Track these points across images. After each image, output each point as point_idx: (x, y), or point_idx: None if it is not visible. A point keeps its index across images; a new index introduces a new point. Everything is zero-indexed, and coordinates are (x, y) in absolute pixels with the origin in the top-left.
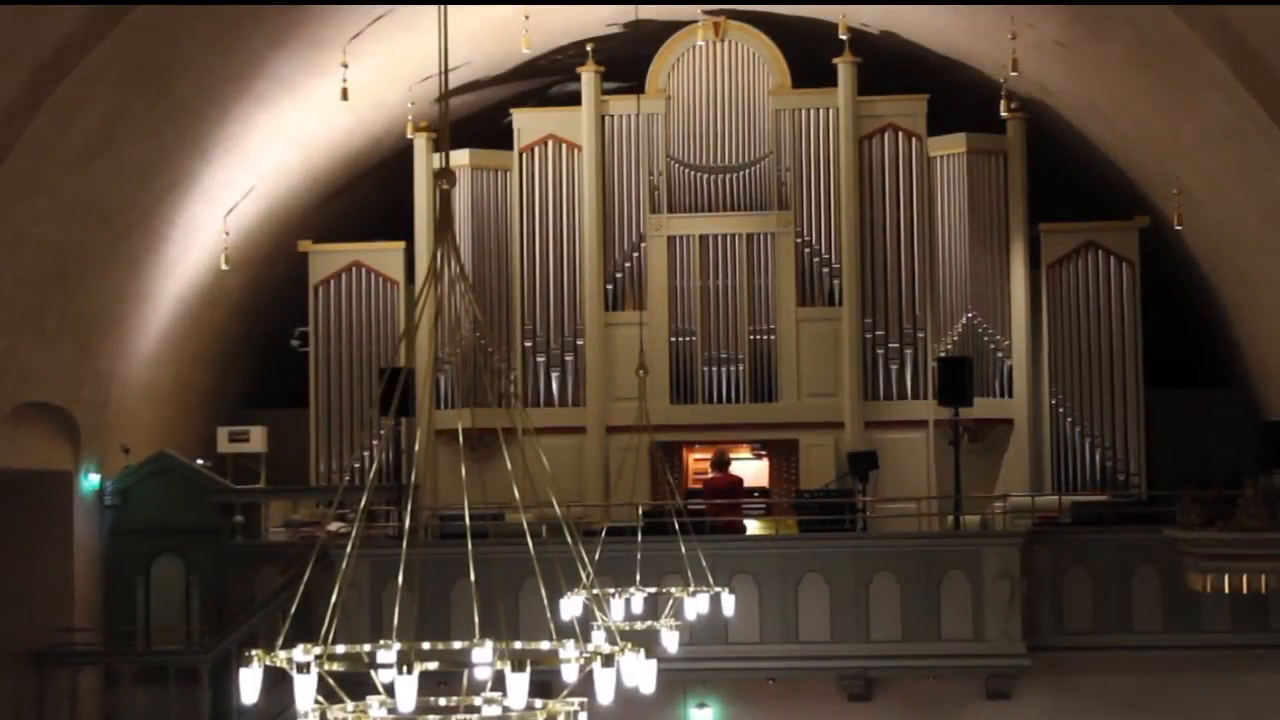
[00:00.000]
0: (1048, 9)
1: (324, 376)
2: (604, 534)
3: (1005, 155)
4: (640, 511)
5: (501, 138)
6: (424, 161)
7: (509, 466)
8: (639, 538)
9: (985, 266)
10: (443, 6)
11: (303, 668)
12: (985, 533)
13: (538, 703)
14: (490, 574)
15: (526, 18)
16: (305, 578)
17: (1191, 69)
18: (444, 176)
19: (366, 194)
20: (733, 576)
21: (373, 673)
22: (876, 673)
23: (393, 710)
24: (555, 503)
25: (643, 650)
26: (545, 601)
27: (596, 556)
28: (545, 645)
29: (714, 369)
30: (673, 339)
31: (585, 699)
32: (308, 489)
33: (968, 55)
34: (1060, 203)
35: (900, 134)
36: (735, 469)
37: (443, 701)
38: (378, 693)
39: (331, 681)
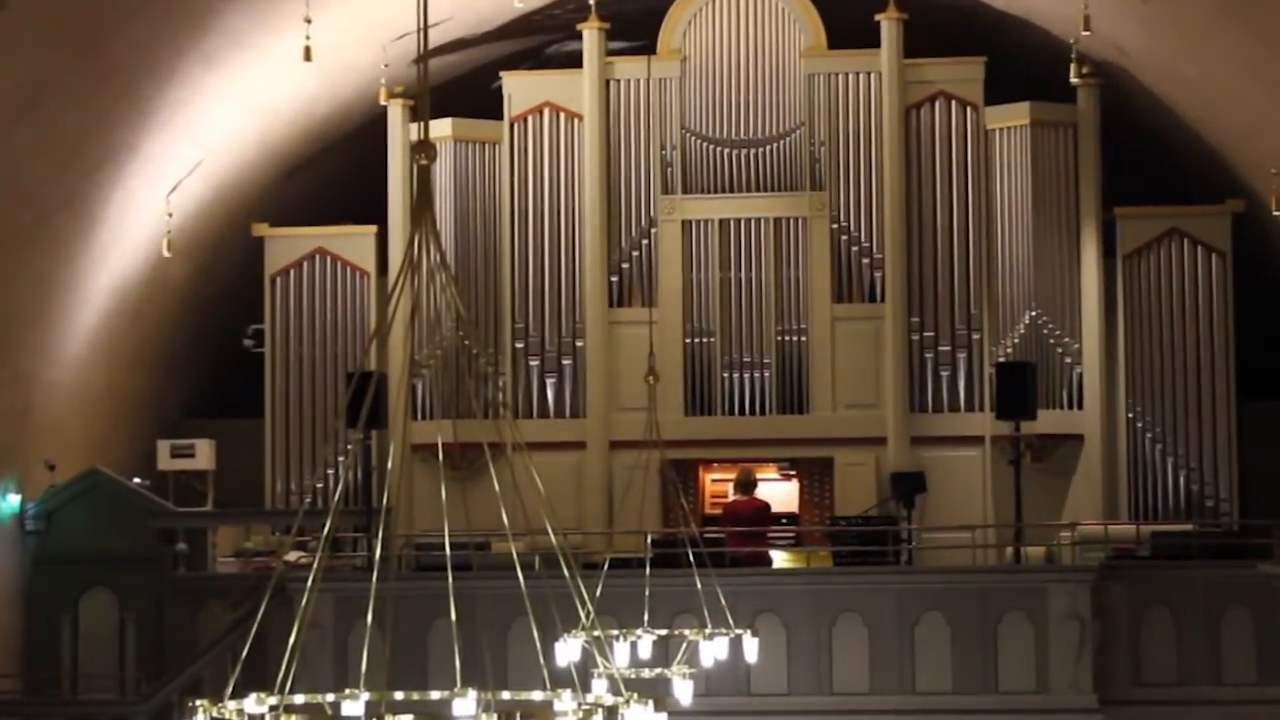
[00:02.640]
0: None
1: (282, 381)
2: (606, 566)
3: (1075, 128)
4: (649, 540)
5: (490, 105)
6: (399, 132)
7: (496, 487)
8: (647, 571)
9: (1052, 257)
10: None
11: None
12: (1050, 567)
13: None
14: (474, 612)
15: None
16: (259, 616)
17: None
18: (422, 150)
19: (333, 170)
20: (756, 616)
21: None
22: None
23: None
24: (550, 530)
25: (651, 702)
26: (538, 644)
27: (598, 592)
28: (538, 695)
29: (735, 375)
30: (687, 340)
31: None
32: (262, 512)
33: (1032, 12)
34: (1139, 183)
35: (953, 103)
36: (761, 492)
37: None
38: None
39: None
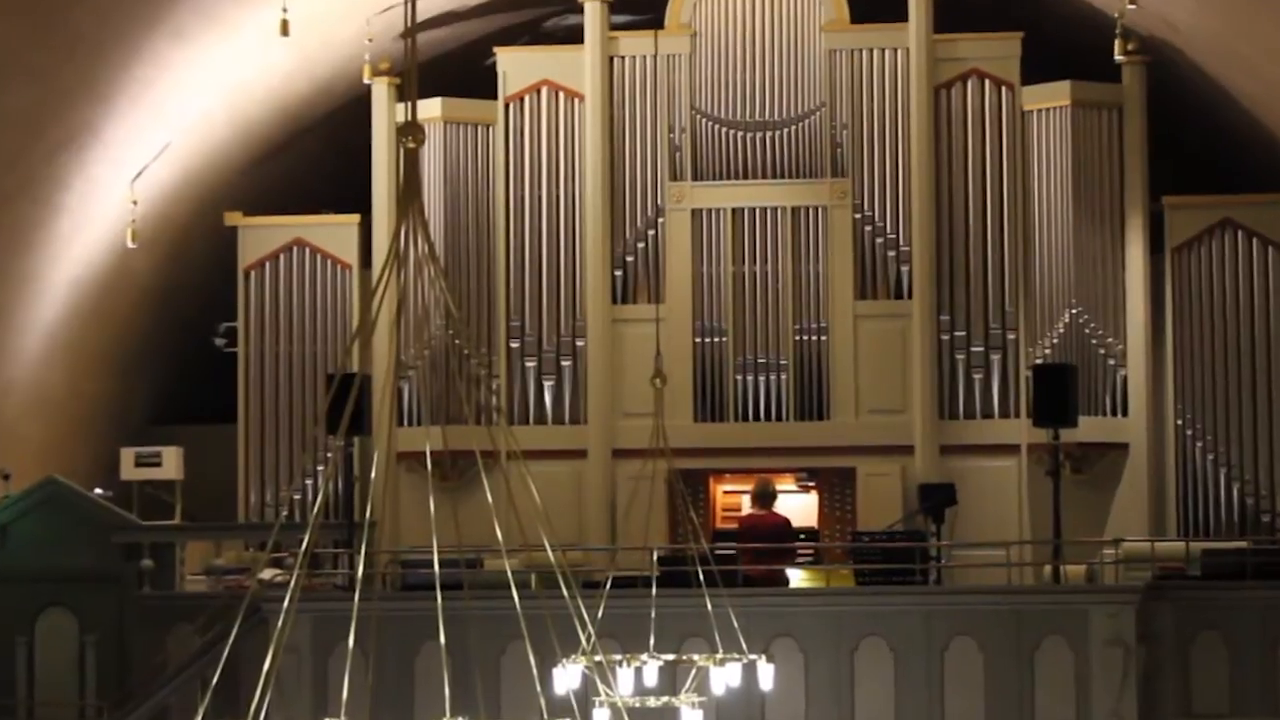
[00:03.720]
0: None
1: (256, 384)
2: (609, 585)
3: (1120, 109)
4: (655, 557)
5: (483, 84)
6: (385, 113)
7: (490, 499)
8: (653, 590)
9: (1094, 250)
10: None
11: None
12: (1092, 588)
13: None
14: (465, 635)
15: None
16: (231, 639)
17: None
18: (410, 132)
19: (312, 154)
20: (771, 640)
21: None
22: None
23: None
24: (548, 546)
25: None
26: (535, 671)
27: (599, 614)
28: None
29: (749, 378)
30: (697, 340)
31: None
32: (235, 526)
33: None
34: (1189, 170)
35: (987, 82)
36: (778, 505)
37: None
38: None
39: None
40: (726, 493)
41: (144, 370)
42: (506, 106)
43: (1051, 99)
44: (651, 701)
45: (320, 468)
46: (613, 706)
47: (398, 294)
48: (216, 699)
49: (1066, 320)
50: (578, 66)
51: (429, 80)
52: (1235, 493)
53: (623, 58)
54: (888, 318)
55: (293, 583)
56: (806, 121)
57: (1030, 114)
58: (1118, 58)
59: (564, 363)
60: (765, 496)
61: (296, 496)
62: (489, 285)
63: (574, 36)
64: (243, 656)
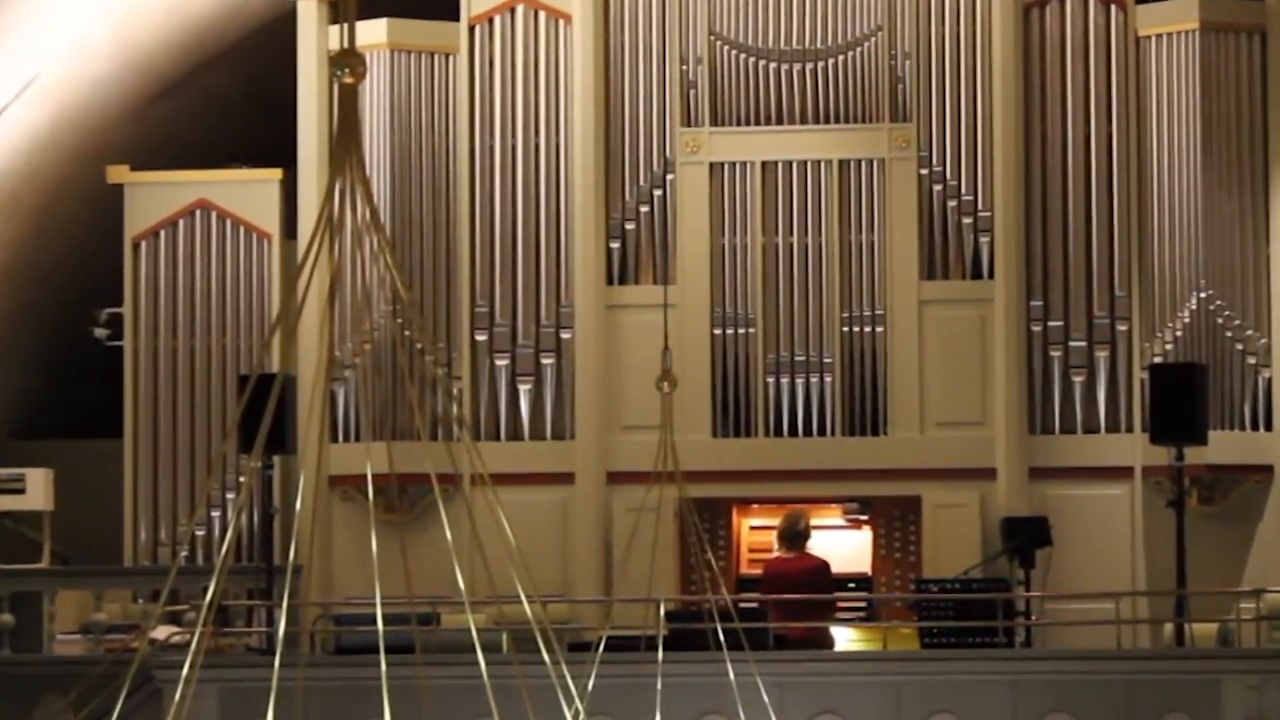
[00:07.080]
0: None
1: (148, 388)
2: (602, 646)
3: (1262, 34)
4: (662, 611)
5: (442, 2)
6: (314, 40)
7: (449, 537)
8: (660, 654)
9: (1228, 216)
10: None
11: None
12: (1226, 652)
13: None
14: (417, 711)
15: None
16: (115, 716)
17: None
18: (347, 62)
19: (220, 92)
20: (812, 718)
21: None
22: None
23: None
24: (524, 597)
25: None
26: None
27: (590, 684)
28: None
29: (784, 380)
30: (717, 331)
31: None
32: (120, 571)
33: None
34: None
35: None
36: (819, 546)
37: None
38: None
39: None
40: (754, 528)
41: (2, 370)
42: (471, 30)
43: (1174, 20)
44: None
45: (230, 495)
46: None
47: (331, 271)
48: None
49: (1193, 307)
50: None
51: None
52: None
53: None
54: (962, 303)
55: (194, 644)
56: (858, 50)
57: (1147, 40)
58: None
59: (545, 361)
60: (794, 536)
61: (200, 533)
62: (449, 260)
63: None
64: None
